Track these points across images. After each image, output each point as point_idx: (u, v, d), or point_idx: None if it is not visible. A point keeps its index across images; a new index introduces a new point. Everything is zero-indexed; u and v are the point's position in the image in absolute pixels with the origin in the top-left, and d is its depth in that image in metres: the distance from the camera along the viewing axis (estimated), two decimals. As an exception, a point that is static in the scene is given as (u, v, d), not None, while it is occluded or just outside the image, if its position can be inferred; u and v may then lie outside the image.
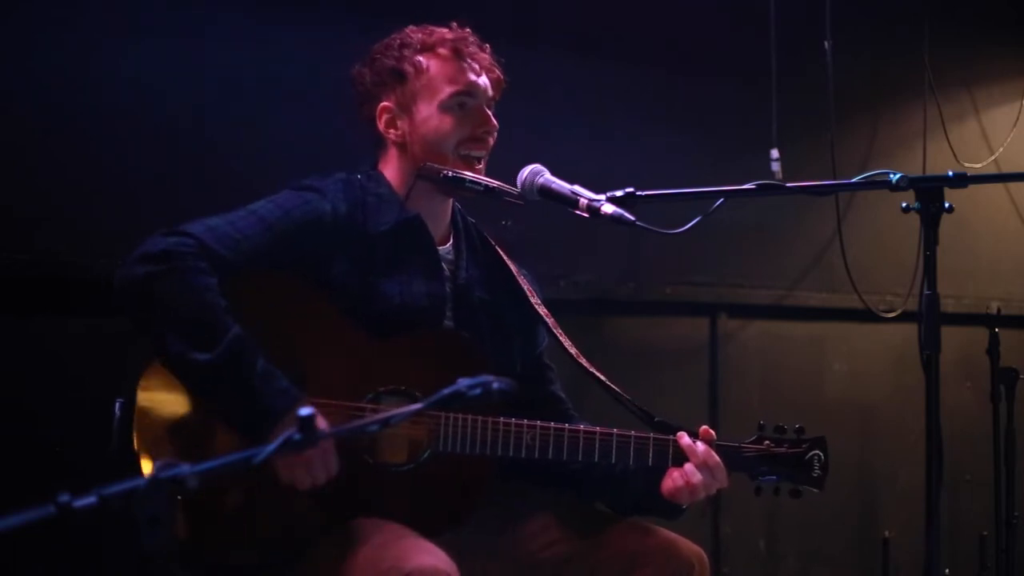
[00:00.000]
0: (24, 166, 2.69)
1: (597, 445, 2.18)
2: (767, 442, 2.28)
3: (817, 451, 2.29)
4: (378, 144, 2.33)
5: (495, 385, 1.43)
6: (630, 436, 2.20)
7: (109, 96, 2.78)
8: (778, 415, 2.34)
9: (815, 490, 2.28)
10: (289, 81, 2.99)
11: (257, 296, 2.06)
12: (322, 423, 1.98)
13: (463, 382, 1.43)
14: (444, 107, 2.25)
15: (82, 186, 2.74)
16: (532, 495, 2.32)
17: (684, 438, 2.20)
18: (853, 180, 2.29)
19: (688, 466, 2.18)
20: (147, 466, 1.99)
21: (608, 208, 2.18)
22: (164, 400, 2.04)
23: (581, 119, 3.50)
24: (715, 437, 2.24)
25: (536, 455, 2.16)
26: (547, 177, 2.26)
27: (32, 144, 2.70)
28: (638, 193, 2.22)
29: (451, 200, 2.34)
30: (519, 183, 2.27)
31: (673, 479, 2.19)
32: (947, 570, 3.85)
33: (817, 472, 2.28)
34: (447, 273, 2.29)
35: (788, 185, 2.34)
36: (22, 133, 2.70)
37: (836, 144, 3.87)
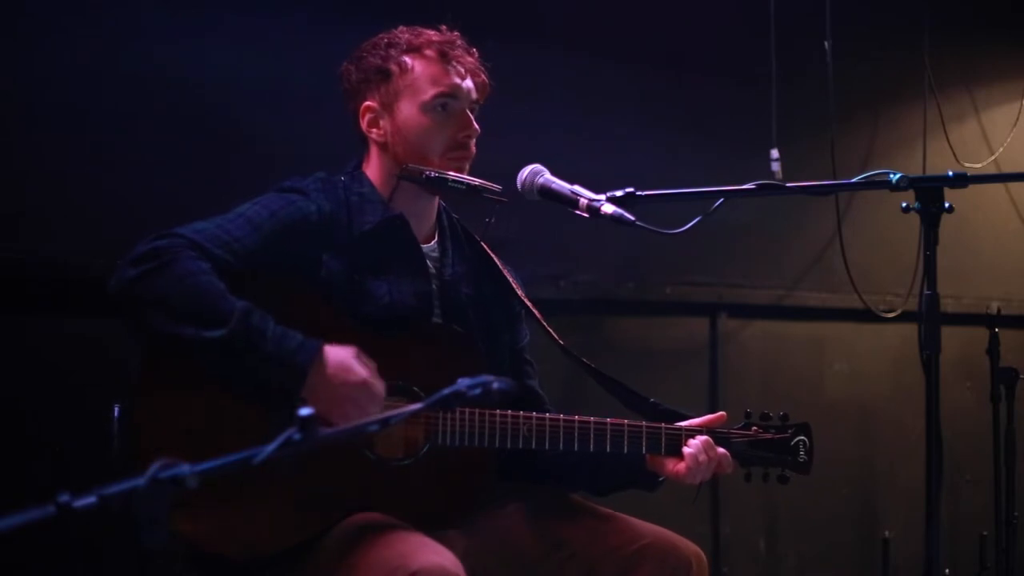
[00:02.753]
0: (24, 166, 2.69)
1: (592, 435, 2.20)
2: (754, 428, 2.33)
3: (802, 437, 2.33)
4: (361, 143, 2.33)
5: (495, 385, 1.44)
6: (623, 425, 2.22)
7: (109, 96, 2.78)
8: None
9: (801, 474, 2.33)
10: (292, 81, 2.99)
11: (249, 298, 2.06)
12: (357, 367, 2.00)
13: (463, 382, 1.44)
14: (426, 108, 2.25)
15: (82, 186, 2.74)
16: (530, 494, 2.33)
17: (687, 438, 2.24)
18: (853, 180, 2.29)
19: (688, 453, 2.22)
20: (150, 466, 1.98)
21: (608, 208, 2.18)
22: (167, 400, 2.04)
23: (581, 119, 3.50)
24: (724, 419, 2.30)
25: (533, 446, 2.17)
26: (547, 177, 2.26)
27: (32, 144, 2.70)
28: (638, 193, 2.22)
29: (436, 198, 2.35)
30: (519, 183, 2.28)
31: (678, 469, 2.23)
32: (947, 570, 3.84)
33: (803, 457, 2.33)
34: (432, 271, 2.30)
35: (788, 185, 2.34)
36: (22, 133, 2.70)
37: (836, 144, 3.88)
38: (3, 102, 2.68)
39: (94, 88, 2.77)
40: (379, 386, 2.04)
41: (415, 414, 1.46)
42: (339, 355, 2.02)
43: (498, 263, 2.40)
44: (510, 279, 2.40)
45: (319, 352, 2.01)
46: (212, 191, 2.69)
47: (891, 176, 2.16)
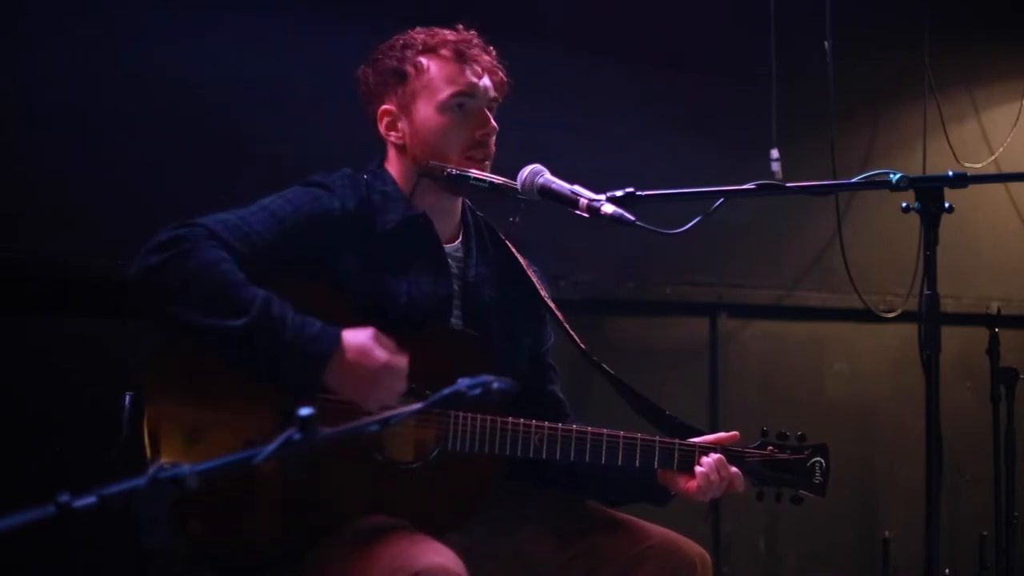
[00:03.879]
0: (24, 166, 2.69)
1: (604, 447, 2.19)
2: (770, 448, 2.31)
3: (819, 458, 2.31)
4: (381, 146, 2.33)
5: (495, 385, 1.44)
6: (636, 439, 2.20)
7: (109, 96, 2.78)
8: (778, 415, 2.36)
9: (816, 496, 2.31)
10: (292, 81, 2.99)
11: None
12: (376, 350, 2.00)
13: (463, 382, 1.44)
14: (443, 108, 2.24)
15: (82, 186, 2.74)
16: (531, 496, 2.32)
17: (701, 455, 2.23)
18: (853, 180, 2.29)
19: (700, 472, 2.20)
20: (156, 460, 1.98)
21: (608, 208, 2.17)
22: (173, 399, 2.04)
23: (581, 119, 3.50)
24: (737, 438, 2.27)
25: (544, 456, 2.16)
26: (547, 177, 2.26)
27: (32, 144, 2.70)
28: (638, 193, 2.22)
29: (460, 198, 2.34)
30: (519, 183, 2.27)
31: (689, 486, 2.22)
32: (947, 570, 3.84)
33: (818, 479, 2.31)
34: (455, 271, 2.29)
35: (788, 185, 2.34)
36: (22, 133, 2.70)
37: (836, 144, 3.88)
38: (3, 102, 2.67)
39: (94, 88, 2.77)
40: (401, 363, 2.04)
41: (415, 414, 1.47)
42: (358, 339, 2.02)
43: (523, 263, 2.39)
44: (535, 280, 2.38)
45: (338, 339, 2.01)
46: (212, 191, 2.69)
47: (891, 176, 2.16)
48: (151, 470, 1.26)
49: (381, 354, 2.02)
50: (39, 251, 2.68)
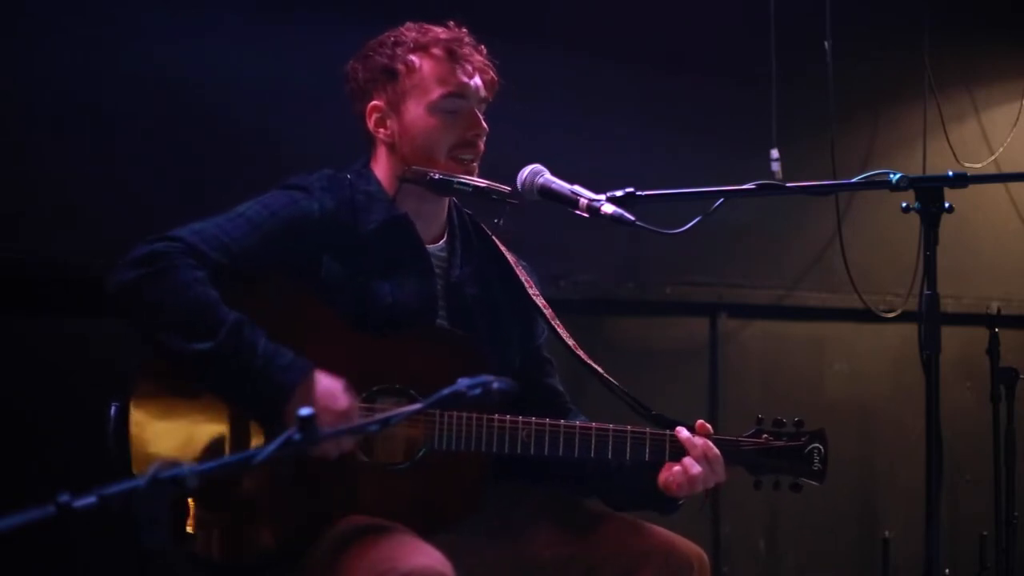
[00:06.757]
0: (24, 166, 2.69)
1: (593, 441, 2.17)
2: (765, 436, 2.27)
3: (817, 444, 2.27)
4: (368, 143, 2.32)
5: (495, 385, 1.44)
6: (626, 432, 2.19)
7: (109, 96, 2.78)
8: (778, 415, 2.34)
9: (815, 483, 2.27)
10: (292, 81, 2.99)
11: (249, 298, 2.06)
12: (342, 397, 2.00)
13: (463, 382, 1.44)
14: (433, 108, 2.23)
15: (82, 186, 2.74)
16: (530, 495, 2.32)
17: (682, 432, 2.20)
18: (853, 180, 2.29)
19: (687, 459, 2.18)
20: (141, 470, 1.98)
21: (608, 208, 2.17)
22: (158, 405, 2.04)
23: (581, 119, 3.50)
24: (712, 431, 2.23)
25: (532, 452, 2.15)
26: (547, 177, 2.26)
27: (32, 144, 2.70)
28: (638, 193, 2.22)
29: (446, 198, 2.34)
30: (519, 183, 2.27)
31: (672, 473, 2.19)
32: (947, 570, 3.84)
33: (817, 465, 2.27)
34: (438, 272, 2.29)
35: (788, 185, 2.34)
36: (22, 133, 2.70)
37: (836, 144, 3.88)
38: (3, 102, 2.68)
39: (94, 88, 2.77)
40: (357, 416, 2.04)
41: (415, 414, 1.46)
42: (328, 381, 2.02)
43: (511, 261, 2.39)
44: (523, 278, 2.37)
45: (307, 372, 2.00)
46: (212, 191, 2.69)
47: (891, 176, 2.16)
48: (151, 470, 1.26)
49: (344, 401, 2.01)
50: (39, 251, 2.68)
